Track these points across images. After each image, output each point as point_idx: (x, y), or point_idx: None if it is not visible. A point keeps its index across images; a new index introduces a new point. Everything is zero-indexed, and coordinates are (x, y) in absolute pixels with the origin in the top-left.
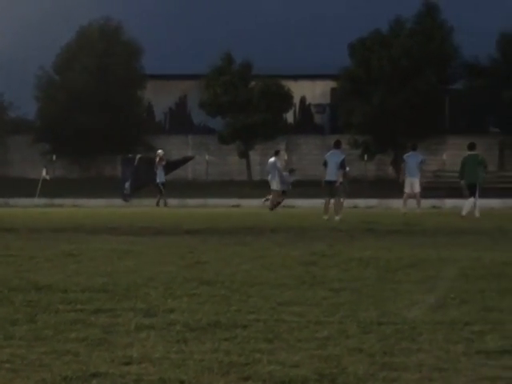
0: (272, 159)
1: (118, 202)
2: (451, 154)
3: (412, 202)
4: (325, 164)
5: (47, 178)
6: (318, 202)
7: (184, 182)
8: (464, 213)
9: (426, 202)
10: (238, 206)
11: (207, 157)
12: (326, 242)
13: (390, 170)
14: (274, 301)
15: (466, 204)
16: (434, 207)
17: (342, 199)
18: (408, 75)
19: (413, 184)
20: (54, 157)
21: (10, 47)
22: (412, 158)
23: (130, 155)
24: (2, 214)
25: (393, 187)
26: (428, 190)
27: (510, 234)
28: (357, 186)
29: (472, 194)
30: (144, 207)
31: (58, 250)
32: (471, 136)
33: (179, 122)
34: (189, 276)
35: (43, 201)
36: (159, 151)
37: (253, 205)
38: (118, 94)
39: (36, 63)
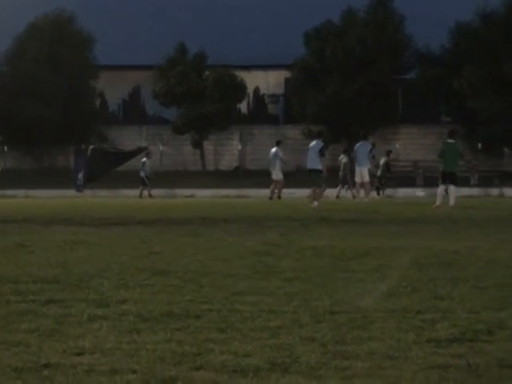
0: (274, 149)
1: (71, 192)
2: (404, 144)
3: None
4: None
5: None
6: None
7: (138, 173)
8: (438, 202)
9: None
10: (192, 196)
11: (161, 147)
12: (280, 232)
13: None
14: (228, 291)
15: (438, 192)
16: (387, 196)
17: (323, 187)
18: (361, 65)
19: (362, 173)
20: (6, 148)
21: None
22: (362, 148)
23: (83, 146)
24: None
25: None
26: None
27: (461, 223)
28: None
29: (450, 183)
30: (97, 198)
31: (10, 241)
32: (424, 125)
33: (133, 112)
34: (142, 266)
35: None
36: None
37: (206, 195)
38: (71, 85)
39: None
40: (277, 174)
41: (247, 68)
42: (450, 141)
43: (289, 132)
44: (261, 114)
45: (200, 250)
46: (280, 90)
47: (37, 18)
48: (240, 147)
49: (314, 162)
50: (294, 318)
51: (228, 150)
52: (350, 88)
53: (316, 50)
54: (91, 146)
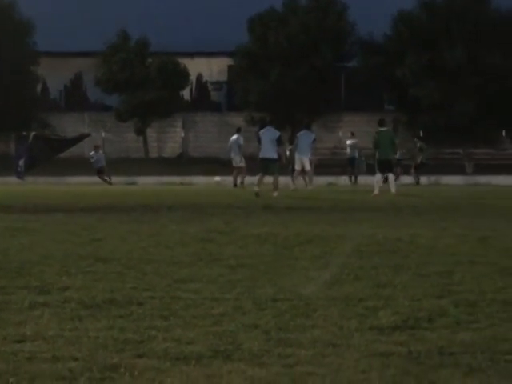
0: (234, 136)
1: (12, 179)
2: (347, 131)
3: (300, 179)
4: (259, 141)
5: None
6: (212, 180)
7: (80, 160)
8: (376, 191)
9: (322, 179)
10: (134, 183)
11: (103, 134)
12: (223, 219)
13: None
14: (170, 278)
15: (375, 181)
16: (329, 184)
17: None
18: (304, 52)
19: (303, 162)
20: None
21: None
22: (304, 137)
23: (24, 133)
24: None
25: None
26: (324, 168)
27: (403, 211)
28: (254, 164)
29: (386, 171)
30: (39, 185)
31: None
32: (367, 113)
33: (75, 99)
34: (84, 253)
35: None
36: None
37: (149, 182)
38: (11, 71)
39: None
40: (238, 161)
41: (190, 55)
42: (382, 129)
43: (232, 119)
44: (204, 101)
45: (143, 237)
46: (223, 78)
47: None
48: (183, 134)
49: (269, 151)
50: (237, 306)
51: (171, 137)
52: (293, 75)
53: (259, 37)
54: (33, 133)
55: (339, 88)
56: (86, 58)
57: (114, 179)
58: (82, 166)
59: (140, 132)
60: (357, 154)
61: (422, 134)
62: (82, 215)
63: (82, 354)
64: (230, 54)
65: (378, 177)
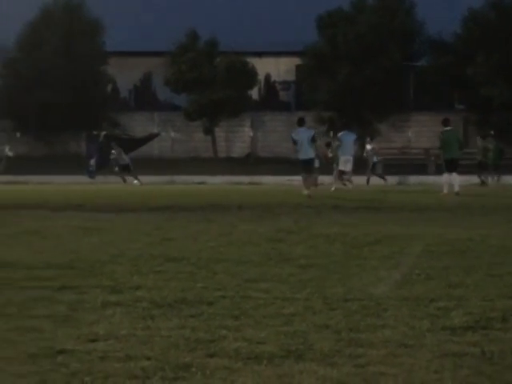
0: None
1: (84, 178)
2: (416, 131)
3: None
4: (294, 142)
5: (10, 154)
6: (283, 179)
7: (149, 159)
8: (445, 190)
9: (391, 179)
10: (203, 183)
11: (173, 134)
12: (293, 219)
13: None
14: (241, 277)
15: (443, 181)
16: (398, 184)
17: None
18: (373, 52)
19: (347, 162)
20: (18, 134)
21: None
22: (346, 137)
23: (94, 132)
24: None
25: (359, 164)
26: (392, 167)
27: (474, 211)
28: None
29: (452, 170)
30: (109, 184)
31: (23, 227)
32: (435, 113)
33: (144, 98)
34: (155, 253)
35: (7, 178)
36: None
37: (218, 182)
38: (82, 71)
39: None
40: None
41: (258, 54)
42: (447, 129)
43: None
44: (272, 100)
45: (213, 236)
46: (291, 77)
47: (46, 5)
48: (251, 134)
49: (308, 152)
50: (308, 305)
51: (239, 137)
52: (361, 75)
53: (328, 37)
54: (103, 132)
55: (407, 87)
56: (155, 58)
57: (184, 178)
58: (152, 165)
59: (208, 131)
60: (375, 159)
61: (493, 133)
62: (152, 215)
63: (154, 353)
64: (297, 54)
65: (446, 176)
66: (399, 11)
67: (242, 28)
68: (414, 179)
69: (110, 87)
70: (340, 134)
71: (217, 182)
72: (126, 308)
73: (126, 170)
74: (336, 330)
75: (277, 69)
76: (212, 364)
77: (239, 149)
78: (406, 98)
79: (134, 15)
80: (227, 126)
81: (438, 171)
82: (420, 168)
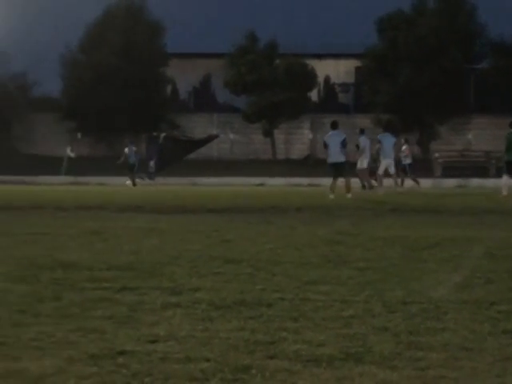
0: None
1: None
2: (476, 134)
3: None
4: (325, 146)
5: (72, 155)
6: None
7: (209, 161)
8: (505, 192)
9: (451, 182)
10: (262, 184)
11: (232, 135)
12: (351, 221)
13: (416, 150)
14: (300, 280)
15: (503, 183)
16: (459, 186)
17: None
18: (433, 54)
19: (389, 166)
20: (80, 135)
21: (35, 26)
22: (388, 140)
23: (154, 133)
24: (28, 192)
25: (418, 166)
26: (453, 170)
27: None
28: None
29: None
30: (168, 186)
31: (84, 228)
32: (497, 115)
33: (204, 100)
34: (214, 254)
35: (68, 179)
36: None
37: (277, 183)
38: (142, 73)
39: (63, 42)
40: (362, 163)
41: (318, 56)
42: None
43: (359, 121)
44: (331, 102)
45: (271, 238)
46: (350, 79)
47: (108, 7)
48: (311, 136)
49: (337, 155)
50: (367, 308)
51: (299, 139)
52: (421, 77)
53: (389, 39)
54: (163, 134)
55: (468, 90)
56: (214, 60)
57: (243, 180)
58: (211, 166)
59: (268, 134)
60: (407, 161)
61: None
62: (211, 216)
63: (213, 354)
64: (357, 56)
65: (505, 178)
66: (460, 13)
67: (302, 30)
68: (474, 182)
69: (169, 89)
70: (380, 136)
71: (276, 183)
72: (186, 309)
73: (130, 169)
74: (395, 332)
75: (336, 71)
76: (271, 366)
77: (298, 151)
78: (467, 100)
79: (195, 17)
80: (286, 128)
81: (499, 174)
82: (480, 171)
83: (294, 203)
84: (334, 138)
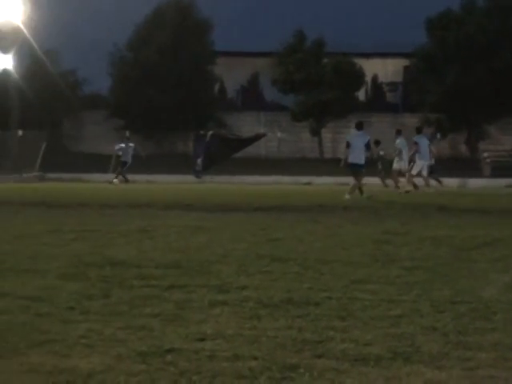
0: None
1: (191, 178)
2: None
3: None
4: (348, 145)
5: (120, 154)
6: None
7: (256, 159)
8: None
9: (501, 182)
10: (309, 183)
11: (279, 134)
12: (399, 221)
13: (464, 149)
14: (347, 278)
15: None
16: (508, 186)
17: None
18: (483, 54)
19: (424, 167)
20: (128, 133)
21: (86, 24)
22: (423, 141)
23: (201, 132)
24: (77, 190)
25: (466, 166)
26: (502, 169)
27: None
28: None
29: None
30: (215, 184)
31: (132, 225)
32: None
33: (251, 98)
34: (261, 253)
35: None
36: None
37: (324, 182)
38: (190, 71)
39: (112, 40)
40: (399, 164)
41: (366, 56)
42: None
43: (407, 120)
44: (379, 101)
45: (319, 237)
46: (398, 78)
47: (158, 5)
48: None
49: (359, 157)
50: (415, 308)
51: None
52: (470, 77)
53: (438, 38)
54: (210, 132)
55: None
56: (262, 58)
57: (290, 179)
58: (258, 165)
59: (315, 132)
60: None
61: None
62: (258, 215)
63: (261, 353)
64: (405, 55)
65: None
66: (511, 13)
67: (350, 29)
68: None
69: (217, 87)
70: (416, 138)
71: (323, 182)
72: (233, 308)
73: (122, 165)
74: (444, 332)
75: (384, 70)
76: (319, 365)
77: None
78: None
79: (242, 15)
80: (334, 126)
81: None
82: None
83: (341, 202)
84: (358, 139)
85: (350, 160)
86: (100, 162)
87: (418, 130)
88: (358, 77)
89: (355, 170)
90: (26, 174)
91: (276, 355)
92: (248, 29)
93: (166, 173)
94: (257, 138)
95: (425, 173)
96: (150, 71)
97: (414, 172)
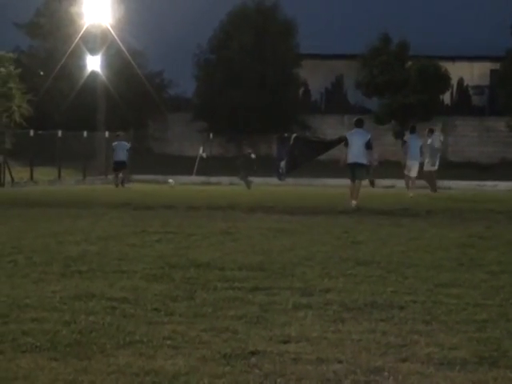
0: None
1: (273, 180)
2: None
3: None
4: (346, 144)
5: (204, 156)
6: (473, 184)
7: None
8: None
9: None
10: (393, 186)
11: None
12: (484, 224)
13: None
14: (431, 282)
15: None
16: None
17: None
18: None
19: (413, 167)
20: (211, 135)
21: (172, 26)
22: (414, 141)
23: (285, 134)
24: (161, 191)
25: None
26: None
27: None
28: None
29: None
30: (298, 186)
31: (215, 227)
32: None
33: (335, 101)
34: (345, 256)
35: (200, 179)
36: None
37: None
38: (274, 73)
39: (195, 41)
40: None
41: (451, 59)
42: None
43: (493, 124)
44: (464, 105)
45: (403, 240)
46: (485, 82)
47: (239, 6)
48: (442, 138)
49: (359, 156)
50: (501, 312)
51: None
52: None
53: None
54: (294, 135)
55: None
56: (346, 61)
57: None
58: (341, 168)
59: (398, 135)
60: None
61: None
62: (340, 217)
63: (345, 356)
64: (491, 59)
65: None
66: None
67: (435, 31)
68: None
69: (301, 90)
70: (407, 138)
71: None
72: (317, 311)
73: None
74: None
75: (470, 73)
76: (404, 369)
77: None
78: None
79: (327, 17)
80: (418, 129)
81: None
82: None
83: (424, 206)
84: (357, 137)
85: (350, 160)
86: (184, 164)
87: (412, 130)
88: (443, 80)
89: (355, 170)
90: (112, 175)
91: (360, 358)
92: (333, 31)
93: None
94: (340, 140)
95: (414, 173)
96: (233, 72)
97: (412, 175)
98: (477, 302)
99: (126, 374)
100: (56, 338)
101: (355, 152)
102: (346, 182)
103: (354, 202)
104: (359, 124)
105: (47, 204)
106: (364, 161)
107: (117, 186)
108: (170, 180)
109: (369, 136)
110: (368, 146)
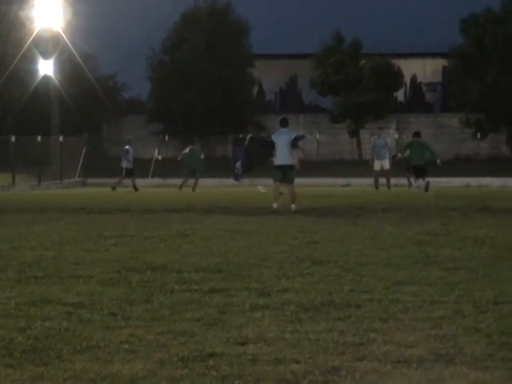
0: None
1: (229, 181)
2: None
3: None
4: (272, 145)
5: (159, 158)
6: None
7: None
8: None
9: None
10: (348, 185)
11: (318, 136)
12: (439, 221)
13: (504, 149)
14: (388, 280)
15: None
16: None
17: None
18: None
19: (382, 165)
20: (166, 137)
21: (123, 29)
22: (379, 141)
23: (241, 135)
24: (117, 195)
25: (507, 166)
26: None
27: None
28: (469, 165)
29: None
30: (254, 187)
31: (172, 230)
32: None
33: (290, 101)
34: (301, 256)
35: (156, 181)
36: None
37: (363, 183)
38: (228, 74)
39: (147, 44)
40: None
41: (404, 56)
42: None
43: (446, 120)
44: (418, 102)
45: (359, 239)
46: (437, 79)
47: (190, 8)
48: (397, 136)
49: (285, 157)
50: (457, 309)
51: None
52: (510, 76)
53: (475, 38)
54: (249, 135)
55: None
56: (300, 60)
57: (329, 180)
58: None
59: (354, 134)
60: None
61: None
62: (297, 217)
63: (303, 356)
64: (443, 55)
65: None
66: None
67: (387, 30)
68: None
69: (255, 90)
70: (372, 138)
71: (362, 183)
72: (274, 311)
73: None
74: (487, 333)
75: (423, 70)
76: (361, 367)
77: None
78: None
79: (279, 17)
80: (372, 128)
81: None
82: None
83: (379, 204)
84: (282, 138)
85: (276, 162)
86: (140, 167)
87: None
88: (396, 78)
89: (283, 173)
90: (67, 179)
91: (318, 358)
92: (286, 31)
93: (204, 176)
94: (296, 140)
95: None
96: (186, 74)
97: (376, 168)
98: (433, 299)
99: (82, 380)
100: (11, 345)
101: (282, 153)
102: (303, 181)
103: (293, 206)
104: (284, 124)
105: (1, 210)
106: (291, 161)
107: (136, 189)
108: (260, 187)
109: (293, 135)
110: (293, 144)
